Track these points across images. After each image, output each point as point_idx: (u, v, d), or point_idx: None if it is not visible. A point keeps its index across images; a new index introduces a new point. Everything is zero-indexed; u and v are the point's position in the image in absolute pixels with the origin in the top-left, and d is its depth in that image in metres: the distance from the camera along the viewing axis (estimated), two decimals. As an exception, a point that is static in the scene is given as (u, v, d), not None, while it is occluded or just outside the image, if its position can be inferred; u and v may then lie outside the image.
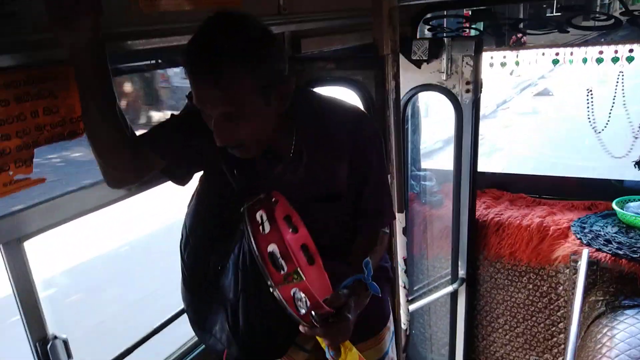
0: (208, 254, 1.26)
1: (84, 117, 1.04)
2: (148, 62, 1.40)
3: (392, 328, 1.56)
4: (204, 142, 1.13)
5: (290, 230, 1.12)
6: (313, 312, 1.00)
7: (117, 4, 1.07)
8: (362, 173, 1.25)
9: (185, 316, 1.38)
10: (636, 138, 2.32)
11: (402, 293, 1.77)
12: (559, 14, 2.30)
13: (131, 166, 1.12)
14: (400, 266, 1.74)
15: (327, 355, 1.11)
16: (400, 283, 1.76)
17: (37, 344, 1.05)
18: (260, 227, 1.00)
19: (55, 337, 1.06)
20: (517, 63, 2.42)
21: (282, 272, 0.98)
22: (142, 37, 1.15)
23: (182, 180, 1.25)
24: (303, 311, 0.99)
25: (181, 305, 1.39)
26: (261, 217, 1.01)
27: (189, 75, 0.99)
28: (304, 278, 0.98)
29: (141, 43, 1.16)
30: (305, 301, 0.99)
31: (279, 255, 0.98)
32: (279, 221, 1.04)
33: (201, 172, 1.31)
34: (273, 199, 1.08)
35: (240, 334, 1.23)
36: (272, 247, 0.99)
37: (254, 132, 1.07)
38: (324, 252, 1.19)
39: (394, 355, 1.58)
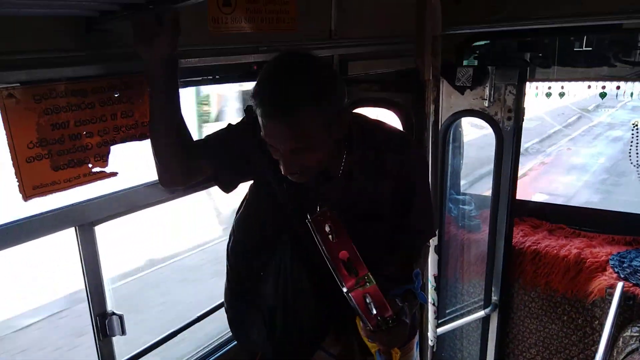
0: (252, 260, 1.34)
1: (150, 121, 1.17)
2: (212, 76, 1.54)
3: (417, 342, 1.61)
4: (256, 155, 1.23)
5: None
6: (379, 317, 1.09)
7: (190, 25, 1.22)
8: (408, 195, 1.31)
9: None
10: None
11: (430, 310, 1.82)
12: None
13: (183, 170, 1.22)
14: (431, 283, 1.79)
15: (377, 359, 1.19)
16: (429, 300, 1.81)
17: (97, 318, 1.19)
18: (330, 236, 1.10)
19: (114, 313, 1.20)
20: (561, 95, 2.45)
21: (354, 276, 1.08)
22: (209, 55, 1.30)
23: (227, 187, 1.34)
24: (373, 313, 1.08)
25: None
26: (329, 228, 1.10)
27: (263, 116, 1.05)
28: (375, 282, 1.08)
29: (209, 60, 1.31)
30: (374, 304, 1.08)
31: (351, 261, 1.08)
32: (344, 232, 1.13)
33: (250, 182, 1.40)
34: (330, 209, 1.16)
35: (276, 338, 1.32)
36: (344, 255, 1.09)
37: (317, 160, 1.14)
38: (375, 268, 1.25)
39: None
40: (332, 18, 1.60)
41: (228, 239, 1.40)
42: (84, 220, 1.12)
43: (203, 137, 1.31)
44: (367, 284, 1.07)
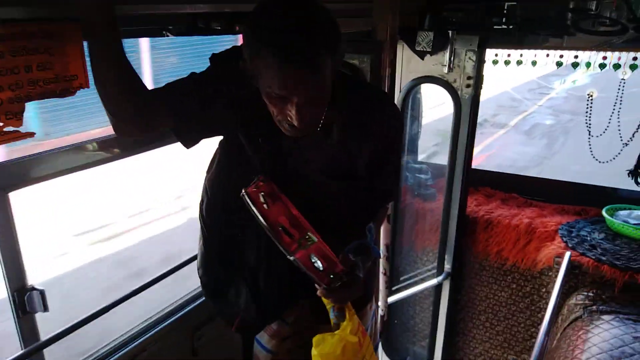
0: (229, 221, 1.29)
1: (94, 71, 1.05)
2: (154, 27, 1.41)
3: (373, 309, 1.60)
4: (225, 111, 1.15)
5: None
6: (330, 274, 1.07)
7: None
8: (382, 154, 1.28)
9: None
10: (625, 145, 2.32)
11: (382, 279, 1.79)
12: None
13: (139, 117, 1.11)
14: (382, 252, 1.76)
15: (331, 316, 1.18)
16: (381, 269, 1.79)
17: (15, 294, 1.08)
18: (265, 205, 1.07)
19: (33, 288, 1.09)
20: (519, 62, 2.42)
21: (294, 238, 1.06)
22: (145, 2, 1.16)
23: (188, 142, 1.22)
24: (321, 271, 1.07)
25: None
26: (263, 196, 1.08)
27: (279, 64, 0.97)
28: (316, 239, 1.06)
29: (144, 8, 1.17)
30: (321, 261, 1.07)
31: (288, 225, 1.06)
32: (281, 197, 1.11)
33: (219, 138, 1.31)
34: (263, 178, 1.13)
35: (260, 298, 1.30)
36: (281, 219, 1.06)
37: (323, 111, 1.11)
38: (327, 226, 1.22)
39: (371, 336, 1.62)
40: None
41: (200, 200, 1.34)
42: (-6, 186, 1.00)
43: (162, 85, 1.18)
44: (309, 242, 1.05)
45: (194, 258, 1.51)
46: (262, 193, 1.09)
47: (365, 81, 1.29)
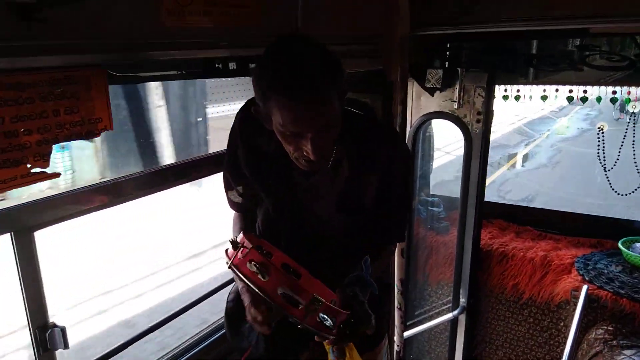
0: None
1: None
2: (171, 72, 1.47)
3: (386, 345, 1.59)
4: (243, 160, 1.28)
5: (266, 257, 1.11)
6: (339, 324, 1.04)
7: (142, 17, 1.15)
8: (389, 190, 1.30)
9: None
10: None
11: (397, 314, 1.78)
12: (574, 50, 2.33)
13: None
14: (397, 287, 1.76)
15: (331, 357, 1.15)
16: (396, 304, 1.78)
17: (37, 331, 1.10)
18: (259, 276, 1.01)
19: (55, 326, 1.11)
20: (530, 97, 2.45)
21: (301, 306, 1.01)
22: (166, 49, 1.22)
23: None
24: (332, 327, 1.03)
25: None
26: (255, 266, 1.02)
27: (287, 101, 1.04)
28: (323, 301, 1.02)
29: (167, 54, 1.24)
30: (329, 317, 1.03)
31: (291, 293, 1.01)
32: (274, 262, 1.05)
33: None
34: (245, 240, 1.08)
35: (271, 336, 1.26)
36: (282, 289, 1.01)
37: (333, 141, 1.16)
38: (329, 260, 1.25)
39: None
40: (298, 14, 1.54)
41: None
42: (21, 225, 1.03)
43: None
44: (317, 305, 1.01)
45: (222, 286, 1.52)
46: (253, 262, 1.02)
47: (372, 117, 1.34)
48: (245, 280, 1.03)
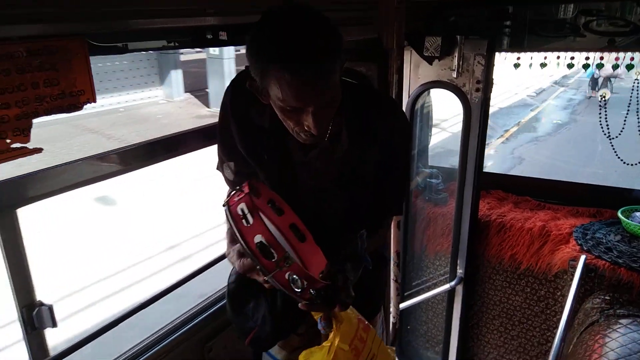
0: None
1: None
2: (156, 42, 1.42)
3: (382, 318, 1.58)
4: (236, 136, 1.22)
5: (276, 213, 1.14)
6: (311, 290, 1.03)
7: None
8: (390, 161, 1.27)
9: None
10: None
11: (392, 286, 1.78)
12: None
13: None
14: (393, 260, 1.75)
15: (319, 327, 1.14)
16: (392, 276, 1.77)
17: (24, 310, 1.08)
18: (244, 220, 1.01)
19: (42, 304, 1.10)
20: (530, 65, 2.40)
21: (273, 259, 1.00)
22: (148, 17, 1.17)
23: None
24: (299, 290, 1.02)
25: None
26: (242, 210, 1.03)
27: (291, 76, 0.98)
28: (295, 261, 1.01)
29: (148, 22, 1.18)
30: (301, 280, 1.02)
31: (267, 244, 1.00)
32: (263, 209, 1.07)
33: None
34: (253, 188, 1.09)
35: (278, 313, 1.29)
36: (259, 238, 1.01)
37: (334, 113, 1.12)
38: (328, 233, 1.22)
39: None
40: (289, -21, 1.47)
41: None
42: (3, 204, 1.00)
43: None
44: (287, 263, 1.00)
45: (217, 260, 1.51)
46: (244, 205, 1.03)
47: (369, 87, 1.28)
48: (230, 221, 1.03)
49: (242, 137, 1.23)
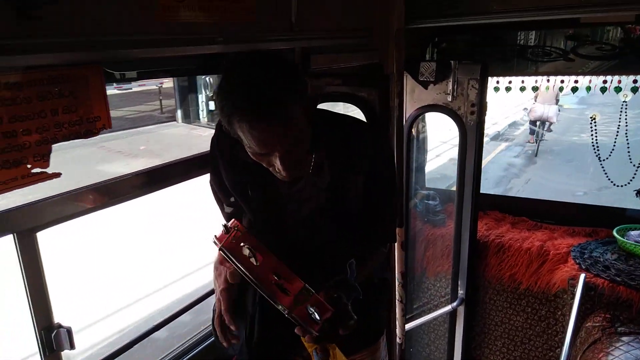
0: None
1: None
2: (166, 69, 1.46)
3: (385, 341, 1.58)
4: (223, 173, 1.28)
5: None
6: (323, 320, 1.02)
7: (138, 12, 1.14)
8: (375, 190, 1.29)
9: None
10: (638, 168, 2.34)
11: (398, 307, 1.79)
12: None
13: None
14: (398, 280, 1.77)
15: (315, 359, 1.12)
16: (397, 297, 1.79)
17: (42, 332, 1.09)
18: (253, 260, 1.00)
19: (60, 326, 1.11)
20: (522, 89, 2.47)
21: (289, 294, 0.99)
22: (159, 46, 1.22)
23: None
24: (316, 321, 1.01)
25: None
26: (249, 250, 1.01)
27: (252, 124, 1.02)
28: (313, 292, 1.01)
29: (161, 51, 1.22)
30: (317, 311, 1.01)
31: (282, 281, 0.99)
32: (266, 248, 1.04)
33: None
34: (238, 224, 1.06)
35: (253, 344, 1.29)
36: (273, 274, 1.00)
37: (306, 152, 1.15)
38: (314, 262, 1.22)
39: None
40: (293, 9, 1.54)
41: None
42: (23, 227, 1.02)
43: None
44: (308, 296, 1.00)
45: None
46: (246, 245, 1.01)
47: (350, 117, 1.33)
48: (237, 264, 1.02)
49: (228, 174, 1.28)
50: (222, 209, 1.38)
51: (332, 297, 1.10)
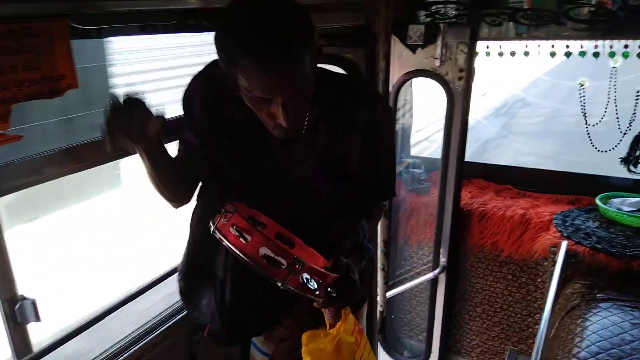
0: (208, 227, 1.25)
1: (147, 174, 1.13)
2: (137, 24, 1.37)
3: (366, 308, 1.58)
4: (209, 122, 1.19)
5: (260, 228, 1.11)
6: (326, 287, 1.05)
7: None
8: (374, 148, 1.25)
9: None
10: (624, 134, 2.33)
11: (380, 275, 1.78)
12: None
13: (190, 192, 1.26)
14: (380, 248, 1.75)
15: (327, 317, 1.15)
16: (379, 265, 1.77)
17: (5, 304, 1.04)
18: (241, 239, 1.02)
19: (24, 298, 1.05)
20: (512, 53, 2.41)
21: (282, 267, 1.01)
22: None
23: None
24: (315, 289, 1.04)
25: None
26: (237, 230, 1.03)
27: (257, 66, 0.95)
28: (305, 261, 1.02)
29: (131, 4, 1.14)
30: (314, 279, 1.03)
31: (272, 254, 1.01)
32: (253, 224, 1.06)
33: None
34: (234, 207, 1.08)
35: (226, 311, 1.26)
36: (263, 250, 1.01)
37: (307, 107, 1.08)
38: (320, 228, 1.21)
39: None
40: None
41: (194, 207, 1.33)
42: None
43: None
44: (298, 266, 1.01)
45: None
46: (235, 226, 1.03)
47: (346, 76, 1.27)
48: (228, 244, 1.03)
49: (216, 133, 1.19)
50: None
51: (340, 261, 1.10)
